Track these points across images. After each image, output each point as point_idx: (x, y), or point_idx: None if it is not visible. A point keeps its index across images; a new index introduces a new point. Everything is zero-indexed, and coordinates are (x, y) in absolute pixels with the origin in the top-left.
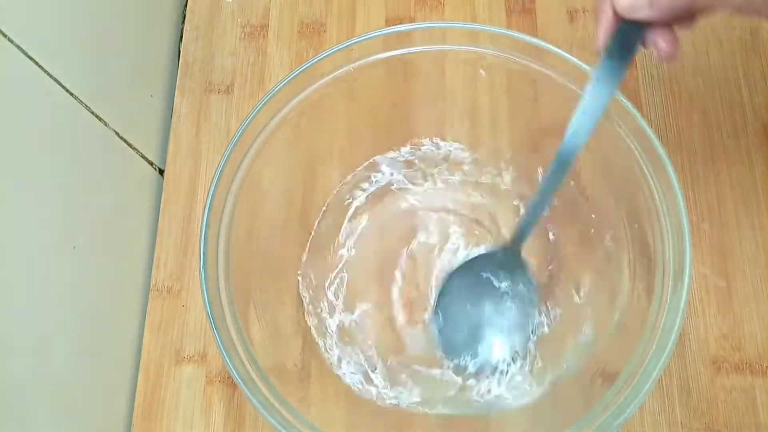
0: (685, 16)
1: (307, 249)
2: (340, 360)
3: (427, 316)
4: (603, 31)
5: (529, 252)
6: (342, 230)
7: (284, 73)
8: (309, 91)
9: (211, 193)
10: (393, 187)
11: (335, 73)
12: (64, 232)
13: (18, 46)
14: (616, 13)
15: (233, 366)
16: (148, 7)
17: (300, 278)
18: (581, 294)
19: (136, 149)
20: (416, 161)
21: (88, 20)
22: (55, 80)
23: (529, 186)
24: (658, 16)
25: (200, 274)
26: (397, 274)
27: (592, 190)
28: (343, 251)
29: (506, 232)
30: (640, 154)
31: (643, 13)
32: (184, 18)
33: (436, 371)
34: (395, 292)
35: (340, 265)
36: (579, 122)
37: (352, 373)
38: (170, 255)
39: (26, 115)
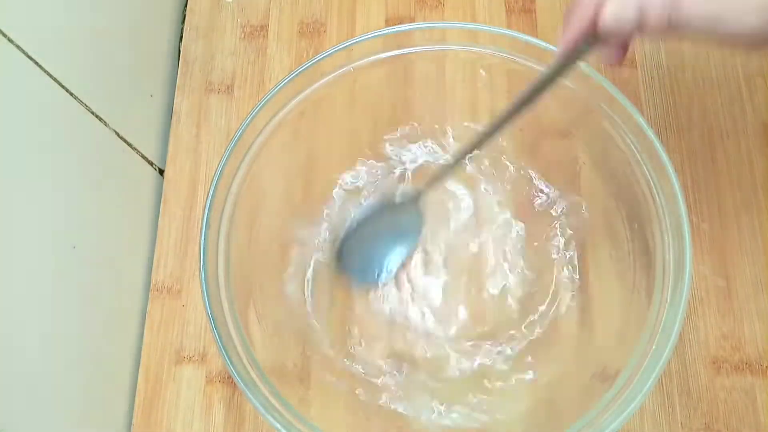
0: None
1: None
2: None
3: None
4: (571, 36)
5: (532, 253)
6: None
7: (284, 73)
8: (309, 91)
9: (211, 193)
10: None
11: (335, 73)
12: (64, 232)
13: (18, 46)
14: (592, 23)
15: (233, 366)
16: (148, 7)
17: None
18: (581, 294)
19: (136, 149)
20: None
21: (88, 20)
22: (55, 80)
23: (527, 186)
24: (638, 35)
25: (200, 274)
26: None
27: (592, 189)
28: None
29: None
30: (640, 154)
31: (626, 29)
32: (184, 18)
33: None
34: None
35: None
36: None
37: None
38: (170, 255)
39: (26, 115)
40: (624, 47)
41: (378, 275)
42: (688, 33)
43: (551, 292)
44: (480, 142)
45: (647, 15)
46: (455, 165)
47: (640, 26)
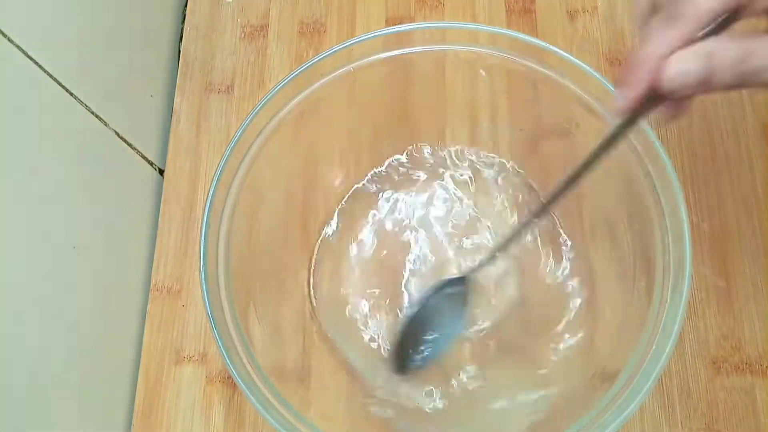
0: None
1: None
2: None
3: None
4: (633, 96)
5: (537, 251)
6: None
7: (284, 73)
8: (309, 91)
9: (211, 193)
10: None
11: (335, 73)
12: (64, 232)
13: (18, 46)
14: (655, 81)
15: (233, 366)
16: (148, 7)
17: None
18: (582, 294)
19: (136, 149)
20: (418, 165)
21: (88, 20)
22: (55, 80)
23: (528, 186)
24: (705, 92)
25: (200, 274)
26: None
27: (592, 190)
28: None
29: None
30: (640, 154)
31: (692, 86)
32: (184, 18)
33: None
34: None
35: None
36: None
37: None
38: (170, 255)
39: (26, 115)
40: (688, 101)
41: (425, 358)
42: (760, 86)
43: (551, 293)
44: (537, 214)
45: (715, 71)
46: (505, 245)
47: (707, 83)
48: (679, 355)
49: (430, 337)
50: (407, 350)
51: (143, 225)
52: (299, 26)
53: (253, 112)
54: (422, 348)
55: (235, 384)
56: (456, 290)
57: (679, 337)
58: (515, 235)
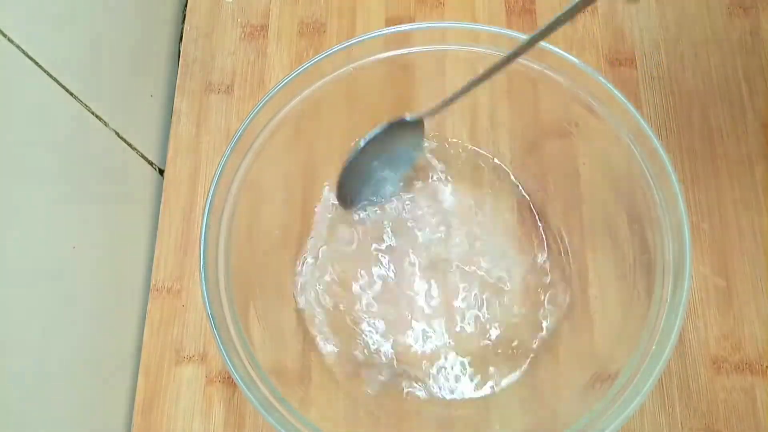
0: None
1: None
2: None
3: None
4: None
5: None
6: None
7: (284, 73)
8: (309, 91)
9: (211, 193)
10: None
11: (335, 73)
12: (64, 232)
13: (18, 46)
14: None
15: (233, 366)
16: (148, 7)
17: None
18: (581, 295)
19: (136, 149)
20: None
21: (88, 20)
22: (55, 80)
23: (528, 185)
24: None
25: (200, 274)
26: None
27: (592, 189)
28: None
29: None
30: (640, 154)
31: None
32: (184, 18)
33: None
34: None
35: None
36: None
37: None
38: (170, 255)
39: (26, 115)
40: None
41: (378, 196)
42: None
43: (551, 293)
44: (500, 65)
45: None
46: (466, 91)
47: None
48: (679, 355)
49: (380, 174)
50: (357, 184)
51: (143, 225)
52: (299, 26)
53: (253, 112)
54: (372, 183)
55: (235, 384)
56: (411, 133)
57: (679, 337)
58: (482, 77)
